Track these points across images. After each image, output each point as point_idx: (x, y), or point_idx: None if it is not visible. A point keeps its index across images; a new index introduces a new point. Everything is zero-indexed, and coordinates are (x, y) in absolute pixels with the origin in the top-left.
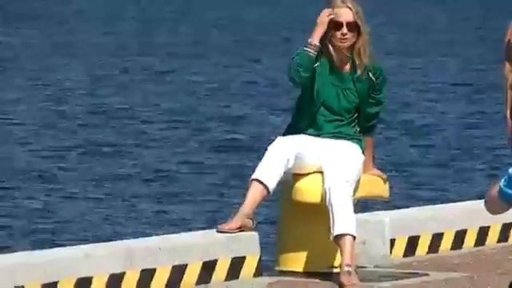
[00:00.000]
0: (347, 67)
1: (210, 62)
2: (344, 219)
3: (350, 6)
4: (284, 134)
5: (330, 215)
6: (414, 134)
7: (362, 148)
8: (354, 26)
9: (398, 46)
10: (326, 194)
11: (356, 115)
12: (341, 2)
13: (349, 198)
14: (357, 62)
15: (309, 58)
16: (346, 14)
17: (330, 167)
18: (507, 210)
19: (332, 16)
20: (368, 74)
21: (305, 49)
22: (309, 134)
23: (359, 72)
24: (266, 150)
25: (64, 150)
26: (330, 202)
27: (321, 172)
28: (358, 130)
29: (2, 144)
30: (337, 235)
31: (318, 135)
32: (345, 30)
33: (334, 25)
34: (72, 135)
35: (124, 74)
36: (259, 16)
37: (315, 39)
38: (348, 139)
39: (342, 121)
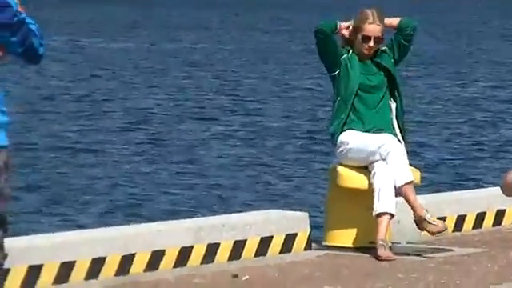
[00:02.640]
0: (368, 59)
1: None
2: (385, 199)
3: (379, 23)
4: (335, 128)
5: (376, 195)
6: (441, 128)
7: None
8: (379, 40)
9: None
10: (372, 178)
11: (389, 89)
12: (372, 20)
13: (392, 181)
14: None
15: (334, 24)
16: (375, 30)
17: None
18: None
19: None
20: (389, 55)
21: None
22: (356, 129)
23: (391, 55)
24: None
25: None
26: (376, 184)
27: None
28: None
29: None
30: (378, 213)
31: (366, 130)
32: (372, 43)
33: (363, 37)
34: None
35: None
36: None
37: (343, 24)
38: (388, 131)
39: (381, 96)
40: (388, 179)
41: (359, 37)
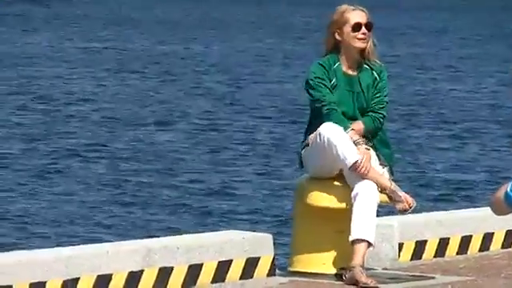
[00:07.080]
0: (355, 71)
1: None
2: (365, 225)
3: (362, 8)
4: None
5: (354, 218)
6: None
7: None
8: (369, 27)
9: None
10: (353, 198)
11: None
12: (354, 6)
13: (375, 205)
14: (370, 64)
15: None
16: (362, 16)
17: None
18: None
19: None
20: (372, 73)
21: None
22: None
23: (375, 74)
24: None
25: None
26: (357, 206)
27: (333, 178)
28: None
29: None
30: (355, 239)
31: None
32: (364, 29)
33: (354, 26)
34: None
35: None
36: None
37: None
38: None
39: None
40: (372, 203)
41: (347, 29)
